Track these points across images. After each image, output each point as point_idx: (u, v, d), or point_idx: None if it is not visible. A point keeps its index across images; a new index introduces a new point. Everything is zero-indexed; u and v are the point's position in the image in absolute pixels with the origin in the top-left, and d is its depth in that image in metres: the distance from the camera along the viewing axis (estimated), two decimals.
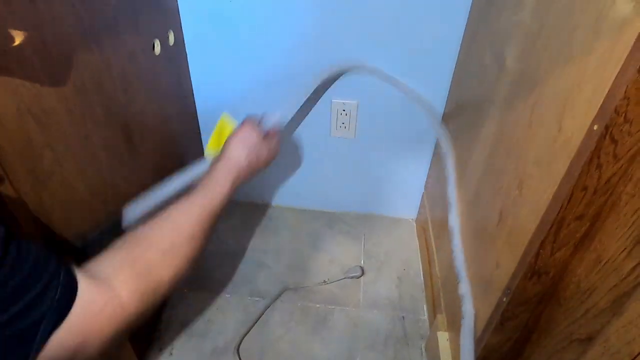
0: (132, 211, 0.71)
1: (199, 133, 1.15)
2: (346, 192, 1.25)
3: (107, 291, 0.44)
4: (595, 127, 0.41)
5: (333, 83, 0.99)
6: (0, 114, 0.49)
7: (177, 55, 0.95)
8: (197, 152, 1.15)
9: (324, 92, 1.02)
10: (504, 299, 0.57)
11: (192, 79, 1.04)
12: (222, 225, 1.23)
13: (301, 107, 0.87)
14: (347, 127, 1.09)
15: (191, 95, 1.07)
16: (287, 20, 0.92)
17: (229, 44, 0.97)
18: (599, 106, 0.40)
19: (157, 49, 0.84)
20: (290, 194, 1.27)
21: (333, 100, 1.04)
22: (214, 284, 1.08)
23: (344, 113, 1.07)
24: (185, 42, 0.97)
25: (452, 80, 0.97)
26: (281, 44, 0.96)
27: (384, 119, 1.06)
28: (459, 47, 0.91)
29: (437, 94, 0.99)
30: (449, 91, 0.99)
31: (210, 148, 0.77)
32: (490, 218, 0.66)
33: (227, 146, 0.68)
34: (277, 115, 0.78)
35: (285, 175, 1.23)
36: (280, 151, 0.78)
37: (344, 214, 1.28)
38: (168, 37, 0.89)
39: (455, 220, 0.81)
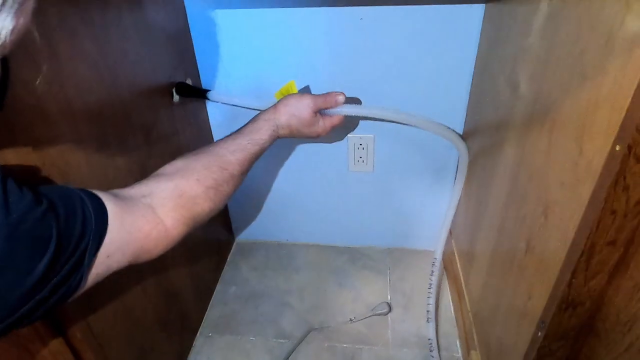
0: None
1: None
2: (368, 226, 1.23)
3: (154, 219, 0.52)
4: (617, 148, 0.39)
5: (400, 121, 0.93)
6: (26, 168, 0.51)
7: (194, 102, 0.98)
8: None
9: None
10: (539, 334, 0.54)
11: (211, 125, 1.07)
12: (244, 266, 1.23)
13: (362, 114, 0.88)
14: (365, 161, 1.09)
15: (211, 138, 1.09)
16: (301, 57, 0.95)
17: (246, 87, 1.00)
18: (618, 126, 0.39)
19: (176, 97, 0.87)
20: (311, 231, 1.26)
21: (349, 135, 1.05)
22: (238, 327, 1.06)
23: (360, 147, 1.07)
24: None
25: (467, 107, 0.96)
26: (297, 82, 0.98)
27: (402, 151, 1.06)
28: (472, 74, 0.91)
29: (453, 121, 0.99)
30: (466, 118, 0.98)
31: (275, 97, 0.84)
32: (517, 246, 0.64)
33: (282, 103, 0.75)
34: (341, 109, 0.80)
35: (305, 212, 1.22)
36: (328, 134, 0.81)
37: (367, 249, 1.26)
38: (187, 81, 0.92)
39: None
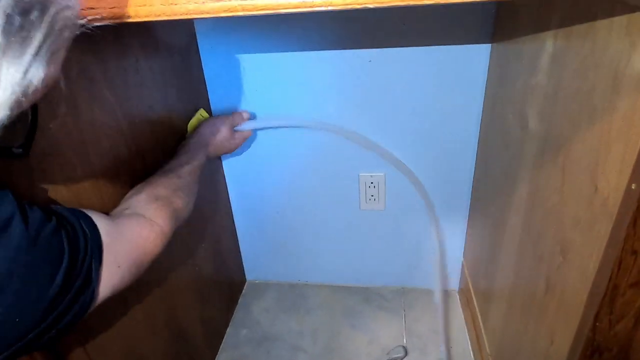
0: None
1: (230, 210, 1.17)
2: (381, 265, 1.21)
3: (147, 222, 0.57)
4: (633, 186, 0.38)
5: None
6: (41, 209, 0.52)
7: None
8: (230, 232, 1.17)
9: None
10: None
11: (224, 170, 1.09)
12: (255, 307, 1.21)
13: (268, 125, 1.00)
14: (376, 200, 1.09)
15: (222, 172, 1.11)
16: (312, 100, 0.97)
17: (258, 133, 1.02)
18: (632, 164, 0.38)
19: None
20: (323, 271, 1.24)
21: (360, 174, 1.05)
22: None
23: (372, 186, 1.07)
24: None
25: (478, 144, 0.96)
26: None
27: (412, 188, 1.05)
28: (481, 112, 0.92)
29: (464, 158, 0.99)
30: (477, 155, 0.98)
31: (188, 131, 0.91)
32: (536, 286, 0.61)
33: (204, 127, 0.85)
34: (248, 124, 0.93)
35: (317, 251, 1.21)
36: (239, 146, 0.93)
37: (381, 289, 1.23)
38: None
39: None
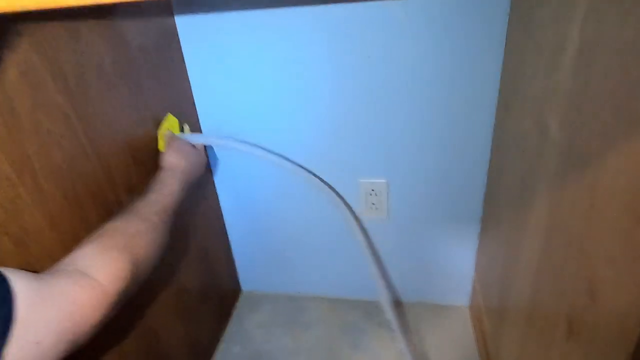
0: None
1: (222, 217, 1.09)
2: (384, 278, 1.11)
3: (88, 283, 0.46)
4: None
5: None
6: None
7: None
8: (221, 242, 1.09)
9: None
10: None
11: (211, 164, 1.01)
12: (249, 321, 1.13)
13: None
14: (378, 208, 0.99)
15: (211, 180, 1.03)
16: (304, 99, 0.88)
17: (247, 130, 0.93)
18: None
19: None
20: (322, 282, 1.16)
21: (360, 181, 0.96)
22: None
23: (373, 193, 0.97)
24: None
25: (491, 154, 0.86)
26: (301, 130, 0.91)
27: (419, 197, 0.95)
28: (494, 114, 0.81)
29: (476, 165, 0.88)
30: (489, 165, 0.87)
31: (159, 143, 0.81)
32: (556, 327, 0.52)
33: (164, 157, 0.75)
34: (200, 139, 0.85)
35: (316, 261, 1.12)
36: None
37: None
38: (183, 129, 0.87)
39: None
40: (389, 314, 0.88)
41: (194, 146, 0.82)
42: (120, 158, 0.68)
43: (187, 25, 0.83)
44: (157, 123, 0.78)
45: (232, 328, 1.12)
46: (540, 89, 0.57)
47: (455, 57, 0.77)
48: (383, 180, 0.95)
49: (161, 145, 0.79)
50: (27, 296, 0.40)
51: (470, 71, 0.78)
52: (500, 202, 0.80)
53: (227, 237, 1.12)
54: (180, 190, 0.70)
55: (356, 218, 1.01)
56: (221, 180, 1.03)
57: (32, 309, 0.40)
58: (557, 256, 0.52)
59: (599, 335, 0.42)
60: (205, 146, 0.88)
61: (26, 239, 0.51)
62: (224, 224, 1.10)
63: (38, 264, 0.52)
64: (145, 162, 0.74)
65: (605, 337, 0.41)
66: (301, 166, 0.92)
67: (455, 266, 1.04)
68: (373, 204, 0.99)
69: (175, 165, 0.74)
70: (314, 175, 0.93)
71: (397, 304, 1.13)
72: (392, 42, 0.78)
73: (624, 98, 0.37)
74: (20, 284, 0.40)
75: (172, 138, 0.80)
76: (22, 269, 0.44)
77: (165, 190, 0.67)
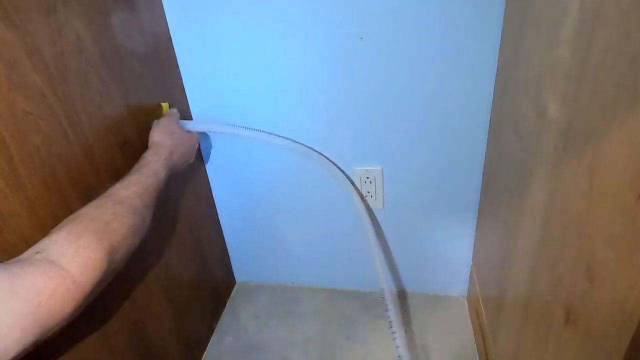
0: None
1: (214, 206, 1.07)
2: (381, 268, 1.09)
3: (56, 272, 0.43)
4: None
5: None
6: None
7: None
8: (214, 231, 1.07)
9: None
10: None
11: (203, 152, 0.99)
12: (243, 312, 1.11)
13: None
14: (373, 197, 0.97)
15: (204, 169, 1.00)
16: (295, 84, 0.86)
17: (237, 113, 0.91)
18: None
19: None
20: (318, 273, 1.14)
21: (354, 168, 0.94)
22: None
23: (367, 181, 0.95)
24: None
25: (488, 139, 0.83)
26: (296, 113, 0.89)
27: (415, 185, 0.93)
28: (492, 96, 0.79)
29: (473, 150, 0.86)
30: (487, 147, 0.85)
31: None
32: (553, 314, 0.49)
33: (150, 136, 0.73)
34: (195, 125, 0.84)
35: (312, 251, 1.10)
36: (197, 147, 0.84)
37: (380, 294, 1.12)
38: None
39: None
40: (390, 304, 0.84)
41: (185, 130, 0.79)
42: (104, 142, 0.66)
43: (174, 3, 0.81)
44: (143, 106, 0.76)
45: (225, 319, 1.10)
46: (539, 68, 0.55)
47: (450, 38, 0.75)
48: (378, 168, 0.93)
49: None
50: None
51: (466, 53, 0.76)
52: (498, 188, 0.78)
53: (220, 227, 1.10)
54: (164, 169, 0.67)
55: (363, 201, 0.99)
56: (214, 169, 1.01)
57: None
58: (555, 241, 0.50)
59: (597, 321, 0.40)
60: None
61: (1, 225, 0.49)
62: (217, 213, 1.08)
63: (14, 250, 0.50)
64: (131, 147, 0.72)
65: (604, 323, 0.39)
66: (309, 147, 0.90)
67: (453, 256, 1.02)
68: (368, 192, 0.97)
69: (159, 144, 0.71)
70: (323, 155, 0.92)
71: (394, 295, 1.11)
72: (385, 22, 0.75)
73: (625, 72, 0.35)
74: None
75: (163, 117, 0.78)
76: None
77: (148, 171, 0.64)
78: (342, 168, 0.94)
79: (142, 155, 0.68)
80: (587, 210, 0.41)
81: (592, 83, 0.41)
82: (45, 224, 0.55)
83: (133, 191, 0.58)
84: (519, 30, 0.63)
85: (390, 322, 0.77)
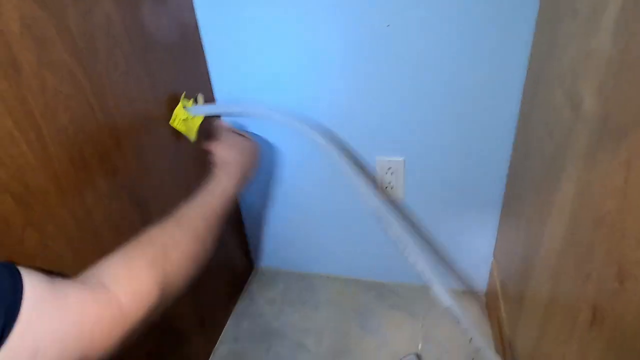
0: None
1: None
2: (399, 259, 1.08)
3: (105, 297, 0.41)
4: None
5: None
6: None
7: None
8: (233, 216, 1.08)
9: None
10: None
11: None
12: (260, 297, 1.12)
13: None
14: (394, 188, 0.96)
15: None
16: (317, 73, 0.85)
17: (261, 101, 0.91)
18: None
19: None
20: (335, 262, 1.14)
21: (377, 158, 0.93)
22: None
23: (389, 172, 0.94)
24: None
25: (516, 131, 0.81)
26: (315, 105, 0.88)
27: (437, 177, 0.92)
28: (522, 87, 0.76)
29: (500, 143, 0.84)
30: (514, 144, 0.82)
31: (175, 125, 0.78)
32: (578, 312, 0.48)
33: (217, 154, 0.71)
34: (214, 109, 0.81)
35: (330, 240, 1.10)
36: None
37: (397, 285, 1.11)
38: (197, 100, 0.85)
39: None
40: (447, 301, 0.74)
41: (244, 135, 0.77)
42: (129, 123, 0.67)
43: None
44: (168, 89, 0.76)
45: (242, 303, 1.12)
46: (575, 58, 0.53)
47: (482, 27, 0.72)
48: (400, 159, 0.91)
49: (174, 121, 0.77)
50: (35, 294, 0.36)
51: (497, 43, 0.73)
52: (524, 183, 0.75)
53: (241, 213, 1.11)
54: (235, 188, 0.65)
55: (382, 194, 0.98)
56: None
57: (37, 310, 0.35)
58: (583, 239, 0.48)
59: (626, 323, 0.38)
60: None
61: (30, 199, 0.50)
62: (238, 199, 1.09)
63: (41, 225, 0.52)
64: (155, 128, 0.73)
65: (632, 325, 0.37)
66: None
67: (473, 250, 1.00)
68: (389, 182, 0.95)
69: (229, 161, 0.69)
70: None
71: (410, 288, 1.10)
72: (414, 9, 0.73)
73: None
74: (30, 280, 0.36)
75: (223, 130, 0.75)
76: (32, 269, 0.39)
77: (218, 190, 0.62)
78: (364, 157, 0.93)
79: (213, 173, 0.67)
80: (620, 207, 0.40)
81: (632, 74, 0.39)
82: (71, 201, 0.56)
83: (201, 214, 0.57)
84: (555, 19, 0.61)
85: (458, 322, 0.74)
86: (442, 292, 0.73)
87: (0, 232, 0.47)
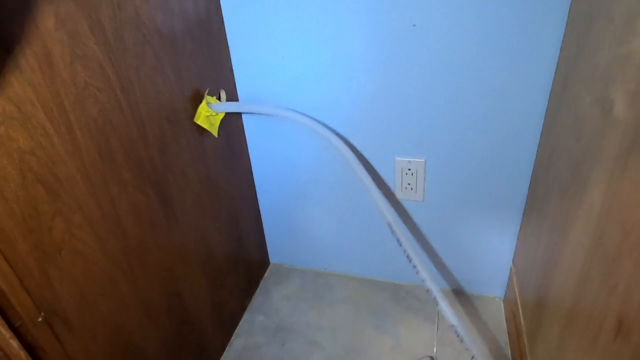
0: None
1: (254, 187, 1.09)
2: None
3: None
4: None
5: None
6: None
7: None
8: (252, 212, 1.09)
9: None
10: None
11: (246, 133, 1.00)
12: (276, 293, 1.13)
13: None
14: (413, 189, 0.95)
15: (245, 150, 1.02)
16: (343, 70, 0.85)
17: (282, 98, 0.91)
18: None
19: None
20: (351, 261, 1.14)
21: (396, 158, 0.92)
22: None
23: (409, 172, 0.93)
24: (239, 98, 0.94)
25: (541, 136, 0.79)
26: (339, 100, 0.88)
27: (457, 179, 0.91)
28: (549, 92, 0.75)
29: (524, 147, 0.82)
30: (538, 149, 0.81)
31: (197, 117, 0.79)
32: (602, 324, 0.47)
33: None
34: (222, 105, 0.82)
35: (347, 239, 1.10)
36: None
37: (413, 287, 1.11)
38: (220, 96, 0.86)
39: None
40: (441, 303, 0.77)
41: None
42: (155, 116, 0.68)
43: None
44: (193, 83, 0.77)
45: (258, 298, 1.13)
46: (607, 62, 0.51)
47: (509, 29, 0.71)
48: (421, 160, 0.91)
49: (198, 118, 0.78)
50: None
51: (525, 46, 0.72)
52: (548, 188, 0.74)
53: (258, 208, 1.12)
54: None
55: (391, 198, 0.97)
56: (256, 153, 1.02)
57: None
58: (610, 248, 0.47)
59: None
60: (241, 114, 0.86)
61: (59, 189, 0.52)
62: (256, 196, 1.10)
63: (69, 214, 0.53)
64: (179, 122, 0.74)
65: None
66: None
67: (492, 255, 0.99)
68: (409, 184, 0.95)
69: None
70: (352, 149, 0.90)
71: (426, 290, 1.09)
72: (441, 9, 0.73)
73: None
74: None
75: None
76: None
77: None
78: (383, 158, 0.93)
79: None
80: None
81: None
82: (98, 192, 0.57)
83: None
84: (586, 23, 0.59)
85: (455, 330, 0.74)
86: (448, 310, 0.75)
87: (31, 220, 0.49)
